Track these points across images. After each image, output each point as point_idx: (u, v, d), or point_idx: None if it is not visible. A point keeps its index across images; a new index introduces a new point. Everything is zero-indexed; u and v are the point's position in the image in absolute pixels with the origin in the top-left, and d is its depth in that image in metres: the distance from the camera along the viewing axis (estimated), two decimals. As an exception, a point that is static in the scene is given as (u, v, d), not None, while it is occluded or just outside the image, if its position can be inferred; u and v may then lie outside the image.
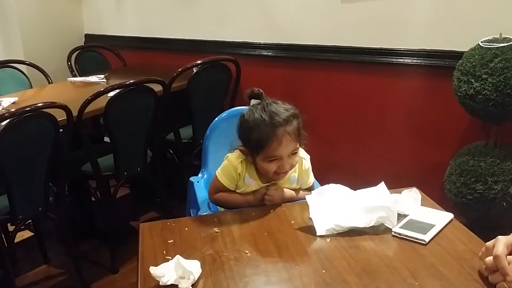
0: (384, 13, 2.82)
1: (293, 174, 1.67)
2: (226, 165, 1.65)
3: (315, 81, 3.18)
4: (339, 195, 1.46)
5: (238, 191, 1.66)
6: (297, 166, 1.66)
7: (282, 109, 1.56)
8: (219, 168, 1.67)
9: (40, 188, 2.42)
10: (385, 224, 1.37)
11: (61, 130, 2.40)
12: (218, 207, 1.72)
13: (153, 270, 1.15)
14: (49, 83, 3.64)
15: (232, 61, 3.25)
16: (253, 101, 1.62)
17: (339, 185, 1.51)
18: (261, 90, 1.63)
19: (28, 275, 2.84)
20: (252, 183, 1.64)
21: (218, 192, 1.68)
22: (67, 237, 2.78)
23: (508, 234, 1.11)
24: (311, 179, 1.74)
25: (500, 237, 1.10)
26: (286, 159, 1.55)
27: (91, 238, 3.15)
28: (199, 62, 3.09)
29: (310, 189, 1.70)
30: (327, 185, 1.53)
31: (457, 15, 2.56)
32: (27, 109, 2.22)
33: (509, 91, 2.14)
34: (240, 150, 1.63)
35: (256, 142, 1.54)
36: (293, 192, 1.66)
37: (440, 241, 1.31)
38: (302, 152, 1.69)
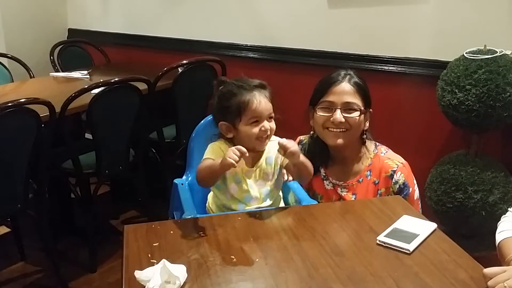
0: (370, 20, 2.85)
1: (270, 155, 1.68)
2: (209, 147, 1.68)
3: (300, 85, 3.18)
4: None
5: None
6: (274, 148, 1.66)
7: (250, 79, 1.66)
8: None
9: (20, 184, 2.37)
10: (370, 232, 1.38)
11: (42, 125, 2.36)
12: (207, 209, 1.72)
13: (138, 274, 1.13)
14: (31, 77, 3.58)
15: (218, 62, 3.23)
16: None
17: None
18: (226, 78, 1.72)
19: (4, 272, 2.78)
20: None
21: None
22: (46, 235, 2.73)
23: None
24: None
25: None
26: (266, 120, 1.61)
27: (70, 236, 3.10)
28: (185, 62, 3.08)
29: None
30: None
31: (442, 26, 2.60)
32: (10, 104, 2.18)
33: (491, 102, 2.18)
34: (221, 127, 1.64)
35: (237, 106, 1.60)
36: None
37: (424, 250, 1.32)
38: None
